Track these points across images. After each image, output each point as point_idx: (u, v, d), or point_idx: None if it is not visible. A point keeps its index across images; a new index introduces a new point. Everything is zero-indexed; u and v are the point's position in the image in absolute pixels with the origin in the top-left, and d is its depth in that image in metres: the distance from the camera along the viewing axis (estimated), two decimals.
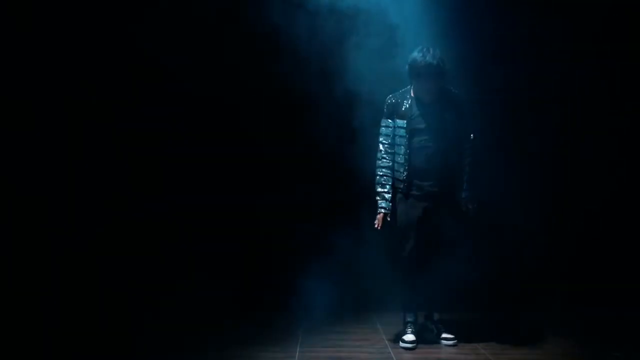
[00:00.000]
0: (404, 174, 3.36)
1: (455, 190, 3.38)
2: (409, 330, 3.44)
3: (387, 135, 3.41)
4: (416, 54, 3.25)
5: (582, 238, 4.31)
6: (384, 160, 3.41)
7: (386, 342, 3.49)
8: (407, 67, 3.31)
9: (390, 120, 3.40)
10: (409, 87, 3.42)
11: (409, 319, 3.47)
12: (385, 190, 3.39)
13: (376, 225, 3.39)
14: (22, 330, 3.47)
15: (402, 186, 3.38)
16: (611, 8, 4.16)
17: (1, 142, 3.86)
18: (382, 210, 3.38)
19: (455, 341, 3.44)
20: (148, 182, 4.19)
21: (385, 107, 3.43)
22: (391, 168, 3.40)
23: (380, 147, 3.42)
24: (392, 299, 4.15)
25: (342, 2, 3.82)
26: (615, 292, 4.06)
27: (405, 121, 3.35)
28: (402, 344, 3.38)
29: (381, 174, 3.41)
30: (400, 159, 3.37)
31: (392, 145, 3.40)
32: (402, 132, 3.35)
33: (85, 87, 4.08)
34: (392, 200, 3.41)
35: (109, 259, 4.07)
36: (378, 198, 3.40)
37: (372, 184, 3.43)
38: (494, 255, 4.19)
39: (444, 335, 3.48)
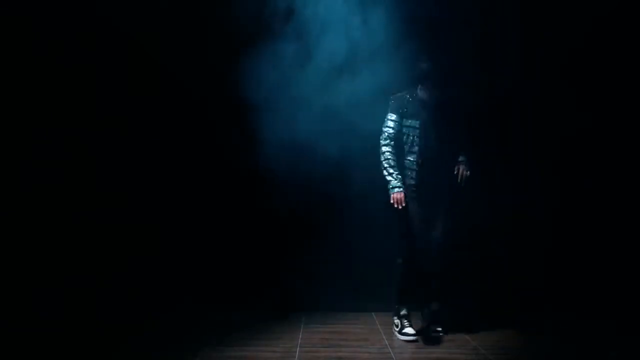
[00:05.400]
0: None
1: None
2: (407, 323, 3.59)
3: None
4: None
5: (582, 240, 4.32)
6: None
7: (386, 342, 3.50)
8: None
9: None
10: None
11: (403, 312, 3.62)
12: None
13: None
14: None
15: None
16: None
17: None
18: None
19: (441, 333, 3.55)
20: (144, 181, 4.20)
21: None
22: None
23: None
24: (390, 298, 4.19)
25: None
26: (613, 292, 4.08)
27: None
28: (403, 337, 3.55)
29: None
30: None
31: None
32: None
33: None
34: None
35: (108, 258, 4.08)
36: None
37: None
38: (493, 256, 4.22)
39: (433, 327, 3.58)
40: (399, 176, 3.50)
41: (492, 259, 4.23)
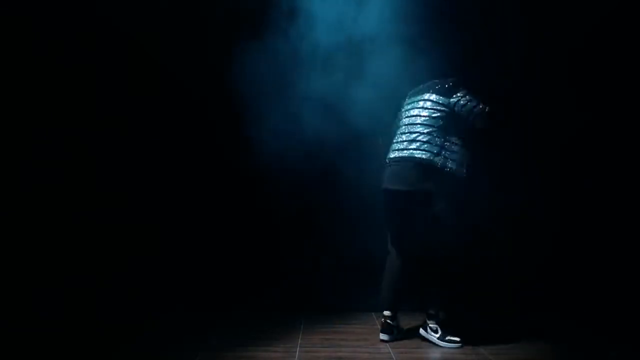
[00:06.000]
0: None
1: None
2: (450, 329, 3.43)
3: None
4: None
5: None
6: None
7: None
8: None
9: None
10: None
11: (444, 317, 3.46)
12: None
13: None
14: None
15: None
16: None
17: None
18: None
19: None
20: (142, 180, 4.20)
21: None
22: None
23: None
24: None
25: None
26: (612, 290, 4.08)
27: None
28: (453, 345, 3.39)
29: None
30: None
31: None
32: None
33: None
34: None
35: (108, 258, 4.08)
36: None
37: None
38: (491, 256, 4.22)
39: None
40: None
41: (492, 259, 4.23)
